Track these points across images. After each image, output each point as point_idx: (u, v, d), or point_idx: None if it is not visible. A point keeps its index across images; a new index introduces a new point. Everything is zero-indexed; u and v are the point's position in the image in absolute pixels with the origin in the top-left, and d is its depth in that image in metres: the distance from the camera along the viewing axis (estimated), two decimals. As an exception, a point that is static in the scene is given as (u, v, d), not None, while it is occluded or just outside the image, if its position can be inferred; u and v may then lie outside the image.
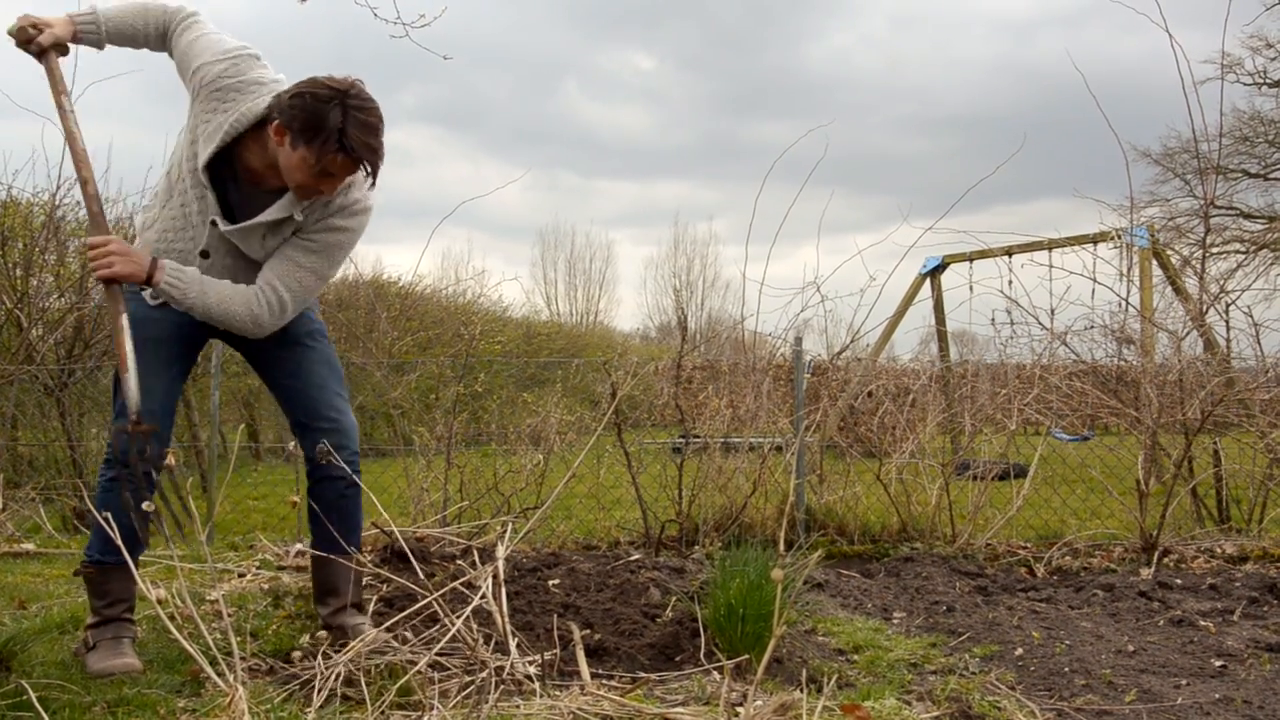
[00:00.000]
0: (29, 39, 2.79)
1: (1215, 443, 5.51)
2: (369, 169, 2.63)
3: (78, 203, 7.39)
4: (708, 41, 44.99)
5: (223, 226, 2.74)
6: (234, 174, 2.77)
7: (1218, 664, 3.00)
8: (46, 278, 6.87)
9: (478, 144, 47.95)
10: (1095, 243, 7.48)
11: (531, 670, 2.58)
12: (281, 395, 3.02)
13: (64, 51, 2.87)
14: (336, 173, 2.62)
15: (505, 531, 4.64)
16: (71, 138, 2.76)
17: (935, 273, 10.71)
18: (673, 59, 45.91)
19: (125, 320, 2.65)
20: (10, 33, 2.81)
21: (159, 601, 2.44)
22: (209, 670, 2.29)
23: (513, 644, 2.63)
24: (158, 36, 2.93)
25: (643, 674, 2.60)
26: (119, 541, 2.52)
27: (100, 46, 2.96)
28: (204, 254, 2.79)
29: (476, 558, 3.20)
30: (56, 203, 6.82)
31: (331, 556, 2.87)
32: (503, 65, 42.34)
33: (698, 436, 5.39)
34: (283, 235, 2.80)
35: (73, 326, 6.69)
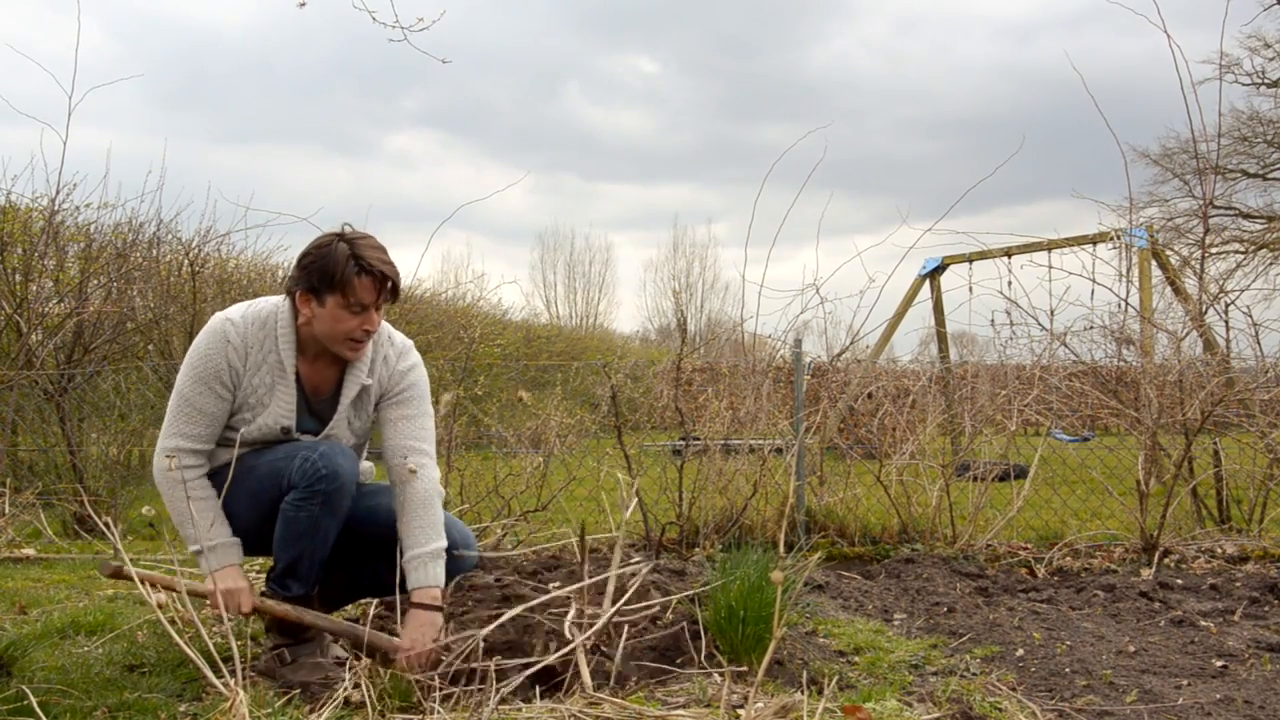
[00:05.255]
0: (238, 609, 2.63)
1: (1215, 443, 5.51)
2: (390, 283, 2.64)
3: (76, 208, 7.40)
4: (710, 46, 45.09)
5: (322, 436, 2.77)
6: (302, 393, 2.77)
7: (1219, 664, 3.00)
8: (46, 283, 6.89)
9: (480, 148, 48.06)
10: (1094, 243, 7.49)
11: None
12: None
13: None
14: (369, 301, 2.62)
15: (505, 534, 4.64)
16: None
17: (935, 274, 10.73)
18: (675, 63, 46.03)
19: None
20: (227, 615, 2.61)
21: (159, 606, 2.44)
22: (209, 674, 2.28)
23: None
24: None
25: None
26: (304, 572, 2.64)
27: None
28: None
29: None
30: (56, 208, 6.83)
31: None
32: (505, 69, 42.41)
33: (698, 439, 5.39)
34: (367, 410, 2.84)
35: (72, 331, 6.71)
